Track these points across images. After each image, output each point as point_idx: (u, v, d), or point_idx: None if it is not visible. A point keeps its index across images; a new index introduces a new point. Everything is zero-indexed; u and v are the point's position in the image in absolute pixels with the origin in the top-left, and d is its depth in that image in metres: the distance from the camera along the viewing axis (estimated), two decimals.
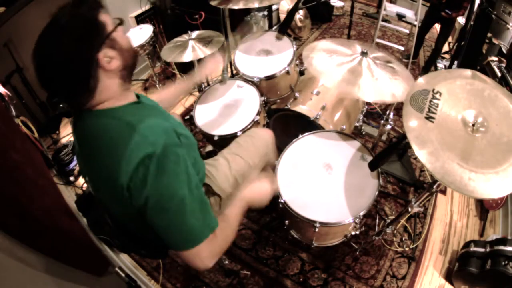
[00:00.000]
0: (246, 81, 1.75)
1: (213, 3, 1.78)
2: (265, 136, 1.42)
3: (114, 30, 0.74)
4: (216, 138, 1.54)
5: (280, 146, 1.46)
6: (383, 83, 1.28)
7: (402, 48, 3.13)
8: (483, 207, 1.89)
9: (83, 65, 0.70)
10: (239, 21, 3.06)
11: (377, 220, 1.84)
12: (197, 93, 2.81)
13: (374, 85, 1.27)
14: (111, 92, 0.76)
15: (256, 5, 1.70)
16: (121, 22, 0.77)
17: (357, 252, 1.69)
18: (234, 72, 2.50)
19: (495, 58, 1.97)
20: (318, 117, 1.60)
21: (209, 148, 1.92)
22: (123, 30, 0.78)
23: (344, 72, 1.31)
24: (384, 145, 2.27)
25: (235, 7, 1.69)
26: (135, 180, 0.70)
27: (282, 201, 1.26)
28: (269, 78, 1.72)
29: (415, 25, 2.84)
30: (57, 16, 0.68)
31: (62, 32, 0.67)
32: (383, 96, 1.24)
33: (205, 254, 0.76)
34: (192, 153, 0.87)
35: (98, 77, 0.72)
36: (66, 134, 2.53)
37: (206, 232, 0.77)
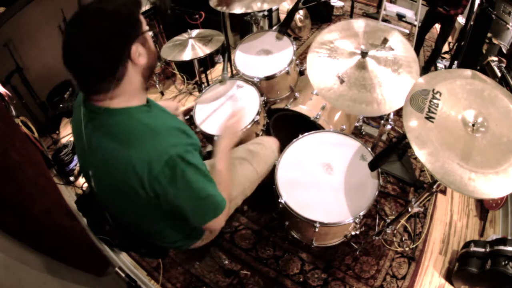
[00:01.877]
0: (246, 81, 1.75)
1: (212, 5, 1.79)
2: (273, 146, 1.45)
3: (147, 31, 0.78)
4: (216, 138, 1.54)
5: (280, 146, 1.46)
6: (390, 86, 1.28)
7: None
8: (483, 207, 1.89)
9: (118, 50, 0.72)
10: (239, 21, 3.07)
11: (377, 220, 1.84)
12: (197, 93, 2.81)
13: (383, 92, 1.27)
14: (133, 86, 0.78)
15: (257, 7, 1.70)
16: (151, 29, 0.81)
17: (357, 252, 1.69)
18: (234, 72, 2.50)
19: (495, 58, 1.98)
20: (318, 117, 1.60)
21: (210, 148, 1.91)
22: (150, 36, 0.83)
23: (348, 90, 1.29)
24: (384, 145, 2.27)
25: (236, 11, 1.70)
26: (161, 181, 0.75)
27: (282, 201, 1.26)
28: (269, 78, 1.72)
29: (415, 25, 2.85)
30: (105, 2, 0.72)
31: (107, 17, 0.70)
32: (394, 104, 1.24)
33: (223, 218, 0.92)
34: (198, 147, 0.90)
35: (127, 67, 0.75)
36: (66, 134, 2.53)
37: (224, 201, 0.89)
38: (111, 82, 0.74)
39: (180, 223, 0.97)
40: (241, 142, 1.45)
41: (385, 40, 1.34)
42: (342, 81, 1.28)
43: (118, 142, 0.75)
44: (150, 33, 0.81)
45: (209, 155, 1.74)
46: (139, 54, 0.75)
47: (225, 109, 1.67)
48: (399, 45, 1.37)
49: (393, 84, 1.28)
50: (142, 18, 0.77)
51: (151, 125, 0.77)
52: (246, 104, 1.66)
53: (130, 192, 0.77)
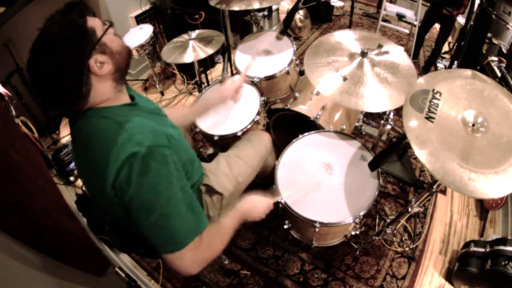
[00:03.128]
0: (246, 81, 1.75)
1: (212, 3, 1.78)
2: (264, 139, 1.46)
3: (104, 34, 0.74)
4: (216, 138, 1.54)
5: (280, 146, 1.46)
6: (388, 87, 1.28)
7: (402, 48, 3.13)
8: (483, 207, 1.89)
9: (75, 73, 0.70)
10: (239, 21, 3.07)
11: (377, 220, 1.84)
12: (197, 93, 2.81)
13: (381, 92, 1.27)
14: (104, 96, 0.77)
15: (256, 5, 1.70)
16: (111, 25, 0.77)
17: (357, 252, 1.69)
18: (234, 72, 2.50)
19: (495, 58, 1.98)
20: (318, 117, 1.60)
21: (210, 151, 1.92)
22: (114, 32, 0.78)
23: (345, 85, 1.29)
24: (384, 145, 2.27)
25: (236, 8, 1.70)
26: (120, 179, 0.70)
27: (282, 201, 1.26)
28: (269, 78, 1.72)
29: (415, 25, 2.84)
30: (47, 27, 0.68)
31: (52, 43, 0.68)
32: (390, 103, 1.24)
33: (188, 260, 0.75)
34: (183, 154, 0.87)
35: (90, 83, 0.73)
36: (66, 134, 2.53)
37: (192, 236, 0.76)
38: (79, 101, 0.74)
39: None
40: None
41: (379, 46, 1.37)
42: (344, 79, 1.28)
43: (92, 144, 0.75)
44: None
45: (210, 158, 1.74)
46: (101, 63, 0.73)
47: (225, 109, 1.67)
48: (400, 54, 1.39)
49: (376, 88, 1.28)
50: (94, 22, 0.73)
51: (122, 123, 0.73)
52: (242, 103, 1.64)
53: (107, 196, 0.75)
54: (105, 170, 0.71)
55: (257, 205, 1.03)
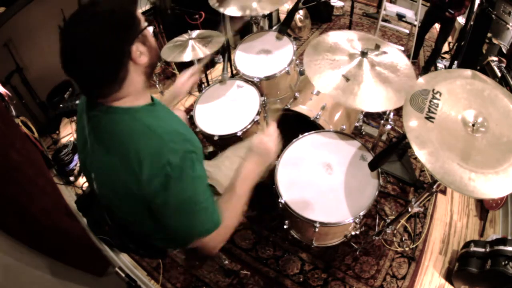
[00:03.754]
0: (246, 81, 1.75)
1: (212, 4, 1.79)
2: None
3: (147, 27, 0.76)
4: (216, 138, 1.54)
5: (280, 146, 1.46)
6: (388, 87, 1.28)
7: (402, 48, 3.13)
8: (483, 207, 1.89)
9: (118, 53, 0.70)
10: (239, 21, 3.06)
11: (377, 220, 1.84)
12: (197, 93, 2.81)
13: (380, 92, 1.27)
14: (136, 87, 0.77)
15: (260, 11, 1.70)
16: (151, 22, 0.79)
17: (357, 252, 1.69)
18: (234, 72, 2.50)
19: (495, 58, 1.98)
20: (318, 117, 1.60)
21: (210, 149, 1.92)
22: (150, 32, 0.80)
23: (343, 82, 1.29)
24: (384, 145, 2.27)
25: (236, 14, 1.71)
26: (155, 184, 0.72)
27: (282, 201, 1.26)
28: (269, 78, 1.72)
29: (415, 25, 2.84)
30: (99, 2, 0.69)
31: (102, 17, 0.67)
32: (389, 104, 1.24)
33: (216, 241, 0.84)
34: (200, 156, 0.88)
35: (128, 68, 0.73)
36: (66, 134, 2.53)
37: (217, 223, 0.81)
38: (113, 86, 0.73)
39: None
40: (239, 141, 1.45)
41: (377, 46, 1.37)
42: (347, 80, 1.28)
43: (118, 143, 0.75)
44: (150, 28, 0.79)
45: (210, 156, 1.75)
46: (140, 53, 0.73)
47: (225, 109, 1.67)
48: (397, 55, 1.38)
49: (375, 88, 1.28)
50: (139, 15, 0.75)
51: (152, 126, 0.75)
52: (242, 103, 1.64)
53: (128, 195, 0.76)
54: (133, 173, 0.72)
55: (264, 144, 0.98)
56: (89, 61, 0.68)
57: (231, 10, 1.77)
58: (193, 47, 1.89)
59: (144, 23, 0.75)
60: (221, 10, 1.78)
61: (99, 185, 0.87)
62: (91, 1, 0.69)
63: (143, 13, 2.69)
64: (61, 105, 2.40)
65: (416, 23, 2.82)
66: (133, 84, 0.76)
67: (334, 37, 1.44)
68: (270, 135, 1.02)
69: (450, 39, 3.29)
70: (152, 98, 0.87)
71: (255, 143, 0.99)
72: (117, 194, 0.82)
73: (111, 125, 0.76)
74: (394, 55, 1.38)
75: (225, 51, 2.12)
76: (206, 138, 1.64)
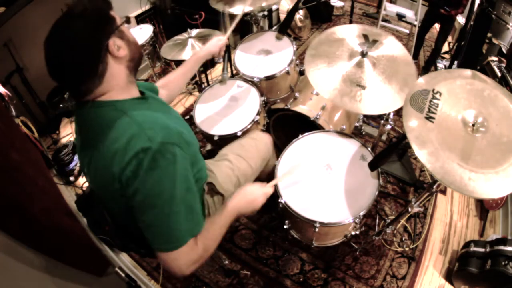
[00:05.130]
0: (246, 81, 1.75)
1: (213, 5, 1.79)
2: (267, 140, 1.45)
3: (123, 23, 0.79)
4: (216, 138, 1.54)
5: (280, 146, 1.46)
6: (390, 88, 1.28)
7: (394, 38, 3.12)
8: (483, 207, 1.89)
9: (94, 49, 0.73)
10: (239, 21, 3.06)
11: (377, 220, 1.84)
12: (197, 93, 2.81)
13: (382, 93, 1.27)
14: (118, 81, 0.79)
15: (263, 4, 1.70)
16: (127, 20, 0.82)
17: (357, 252, 1.69)
18: (234, 72, 2.50)
19: (495, 58, 1.98)
20: (318, 117, 1.60)
21: (209, 147, 1.91)
22: (128, 28, 0.83)
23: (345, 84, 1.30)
24: (384, 145, 2.27)
25: (237, 12, 1.70)
26: (127, 172, 0.71)
27: (282, 201, 1.26)
28: (269, 78, 1.72)
29: (415, 25, 2.84)
30: (73, 6, 0.73)
31: (77, 18, 0.72)
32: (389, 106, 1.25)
33: (182, 260, 0.77)
34: (192, 152, 0.87)
35: (107, 62, 0.75)
36: (66, 134, 2.53)
37: (187, 237, 0.77)
38: (94, 80, 0.75)
39: None
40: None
41: (374, 41, 1.39)
42: (363, 87, 1.28)
43: (101, 136, 0.75)
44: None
45: (208, 155, 1.74)
46: (118, 47, 0.76)
47: (225, 109, 1.67)
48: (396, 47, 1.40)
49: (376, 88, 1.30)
50: (114, 13, 0.78)
51: (134, 116, 0.75)
52: (242, 103, 1.64)
53: (111, 186, 0.76)
54: (111, 162, 0.72)
55: (253, 198, 1.00)
56: (68, 58, 0.71)
57: (237, 9, 1.76)
58: (193, 46, 1.89)
59: (119, 21, 0.79)
60: (228, 9, 1.77)
61: (92, 182, 0.89)
62: (67, 9, 0.74)
63: (143, 13, 2.70)
64: (61, 105, 2.40)
65: (416, 23, 2.82)
66: (114, 78, 0.78)
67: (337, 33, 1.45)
68: (255, 193, 1.02)
69: (450, 39, 3.29)
70: (142, 93, 0.88)
71: (240, 204, 0.97)
72: (106, 192, 0.83)
73: (95, 118, 0.78)
74: (391, 45, 1.40)
75: (225, 51, 2.12)
76: (206, 138, 1.64)
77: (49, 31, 0.72)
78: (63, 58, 0.72)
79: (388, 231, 1.51)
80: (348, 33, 1.45)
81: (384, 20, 3.27)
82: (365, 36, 1.42)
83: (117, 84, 0.79)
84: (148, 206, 0.73)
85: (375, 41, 1.40)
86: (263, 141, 1.43)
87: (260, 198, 1.02)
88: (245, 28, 2.93)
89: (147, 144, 0.70)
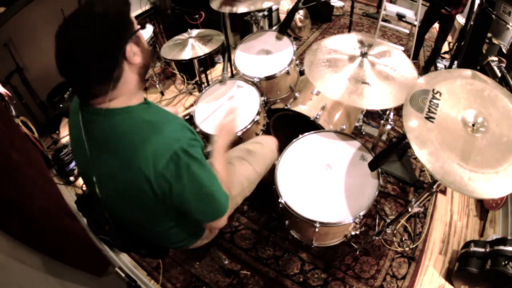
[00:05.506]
0: (246, 81, 1.75)
1: (214, 6, 1.79)
2: (272, 145, 1.44)
3: (140, 28, 0.78)
4: (212, 137, 1.54)
5: (280, 146, 1.46)
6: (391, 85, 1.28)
7: (402, 48, 3.13)
8: (483, 207, 1.89)
9: (113, 51, 0.71)
10: (239, 21, 3.06)
11: (377, 220, 1.84)
12: (197, 93, 2.81)
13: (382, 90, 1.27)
14: (130, 87, 0.78)
15: (264, 4, 1.70)
16: (143, 25, 0.80)
17: (357, 252, 1.69)
18: (234, 72, 2.50)
19: (495, 58, 1.98)
20: (318, 117, 1.60)
21: (209, 148, 1.91)
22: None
23: (346, 83, 1.30)
24: (384, 145, 2.27)
25: (239, 11, 1.70)
26: (167, 177, 0.75)
27: (282, 201, 1.26)
28: (269, 78, 1.72)
29: (415, 25, 2.84)
30: (92, 2, 0.71)
31: (98, 18, 0.69)
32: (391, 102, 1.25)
33: (227, 215, 0.92)
34: (201, 144, 0.90)
35: (123, 67, 0.74)
36: (66, 134, 2.52)
37: (228, 201, 0.90)
38: (109, 84, 0.73)
39: (186, 222, 0.97)
40: (240, 141, 1.45)
41: (369, 45, 1.40)
42: (367, 84, 1.29)
43: (122, 143, 0.75)
44: (142, 31, 0.80)
45: (210, 155, 1.74)
46: (134, 53, 0.75)
47: (225, 109, 1.67)
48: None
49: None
50: (132, 17, 0.77)
51: (152, 121, 0.77)
52: (242, 103, 1.66)
53: (137, 193, 0.78)
54: (143, 169, 0.74)
55: (225, 126, 1.15)
56: (85, 59, 0.69)
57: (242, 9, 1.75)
58: (193, 46, 1.89)
59: (137, 25, 0.77)
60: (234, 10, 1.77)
61: (103, 188, 0.86)
62: (85, 4, 0.71)
63: (143, 13, 2.70)
64: (61, 105, 2.40)
65: (416, 23, 2.82)
66: (127, 84, 0.77)
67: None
68: (228, 116, 1.19)
69: (450, 39, 3.29)
70: (145, 98, 0.87)
71: (218, 129, 1.15)
72: (126, 199, 0.83)
73: (111, 127, 0.76)
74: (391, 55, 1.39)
75: (225, 51, 2.12)
76: (206, 138, 1.64)
77: (64, 25, 0.69)
78: (79, 58, 0.69)
79: (388, 231, 1.51)
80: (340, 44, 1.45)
81: (384, 20, 3.27)
82: (361, 42, 1.43)
83: (128, 90, 0.78)
84: (196, 195, 0.82)
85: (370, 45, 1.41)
86: (268, 145, 1.42)
87: (234, 124, 1.18)
88: (245, 28, 2.93)
89: (176, 146, 0.74)
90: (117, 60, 0.72)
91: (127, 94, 0.78)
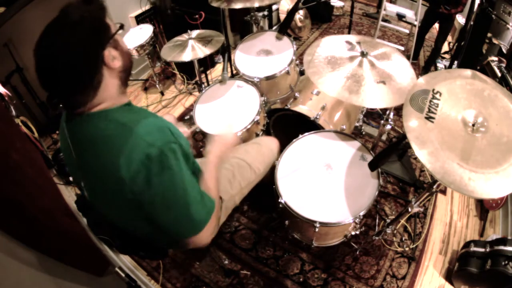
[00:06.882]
0: (246, 81, 1.75)
1: (214, 4, 1.78)
2: (272, 145, 1.44)
3: (117, 31, 0.77)
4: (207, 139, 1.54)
5: (280, 146, 1.46)
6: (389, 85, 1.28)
7: (402, 48, 3.13)
8: (483, 207, 1.89)
9: (91, 59, 0.71)
10: (239, 21, 3.06)
11: (377, 220, 1.84)
12: (197, 93, 2.81)
13: (379, 90, 1.27)
14: (110, 92, 0.77)
15: (256, 4, 1.70)
16: (122, 27, 0.79)
17: (357, 252, 1.69)
18: (234, 72, 2.50)
19: (495, 58, 1.97)
20: (318, 117, 1.60)
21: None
22: (122, 36, 0.81)
23: (344, 80, 1.30)
24: (384, 145, 2.27)
25: (237, 6, 1.70)
26: (138, 182, 0.71)
27: (282, 201, 1.26)
28: (269, 78, 1.72)
29: (415, 25, 2.85)
30: (67, 11, 0.70)
31: (73, 26, 0.68)
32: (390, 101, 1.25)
33: (209, 232, 0.83)
34: (184, 142, 0.87)
35: (102, 73, 0.74)
36: None
37: (208, 216, 0.82)
38: (89, 92, 0.73)
39: None
40: (240, 142, 1.45)
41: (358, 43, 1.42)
42: (382, 82, 1.28)
43: (100, 148, 0.74)
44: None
45: None
46: (113, 57, 0.74)
47: (225, 109, 1.67)
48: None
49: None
50: (109, 20, 0.76)
51: (128, 124, 0.74)
52: (242, 103, 1.65)
53: (118, 197, 0.75)
54: (115, 174, 0.71)
55: (226, 142, 1.10)
56: (64, 70, 0.69)
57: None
58: (193, 47, 1.89)
59: (114, 29, 0.76)
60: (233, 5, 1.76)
61: (90, 194, 0.87)
62: (60, 13, 0.70)
63: (143, 13, 2.69)
64: (61, 105, 2.40)
65: (416, 23, 2.83)
66: (108, 89, 0.76)
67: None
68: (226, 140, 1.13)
69: (450, 39, 3.29)
70: (128, 101, 0.86)
71: (218, 159, 1.05)
72: (109, 203, 0.82)
73: (90, 133, 0.76)
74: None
75: (225, 51, 2.12)
76: (206, 138, 1.64)
77: (41, 38, 0.69)
78: (59, 68, 0.69)
79: (388, 231, 1.51)
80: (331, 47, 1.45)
81: (384, 20, 3.27)
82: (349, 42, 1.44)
83: (109, 95, 0.77)
84: (169, 205, 0.75)
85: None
86: (268, 146, 1.42)
87: (233, 138, 1.14)
88: (245, 28, 2.94)
89: (149, 150, 0.71)
90: (96, 66, 0.72)
91: (109, 99, 0.77)
